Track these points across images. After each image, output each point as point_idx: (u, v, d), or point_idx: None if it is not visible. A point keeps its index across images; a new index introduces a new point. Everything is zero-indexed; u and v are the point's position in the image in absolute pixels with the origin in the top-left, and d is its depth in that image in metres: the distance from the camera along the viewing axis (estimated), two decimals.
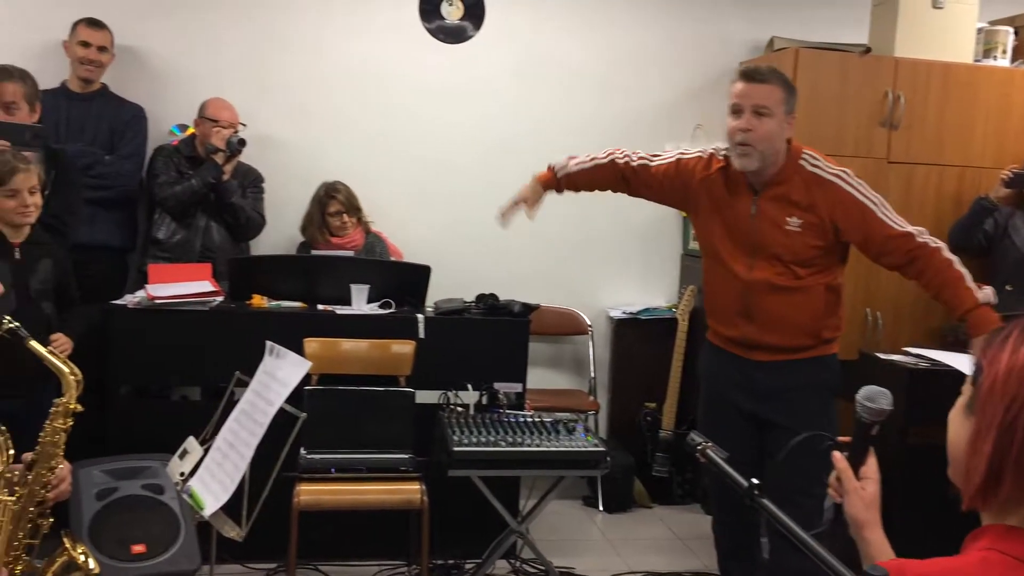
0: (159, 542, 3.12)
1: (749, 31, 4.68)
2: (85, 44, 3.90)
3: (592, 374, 4.67)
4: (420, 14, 4.49)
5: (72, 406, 1.93)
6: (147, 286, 3.46)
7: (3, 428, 1.57)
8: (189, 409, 3.66)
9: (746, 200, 2.65)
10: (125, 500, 3.12)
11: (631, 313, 4.65)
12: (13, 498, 1.56)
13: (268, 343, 2.07)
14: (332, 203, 4.10)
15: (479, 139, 4.58)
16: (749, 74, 2.59)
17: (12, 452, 1.56)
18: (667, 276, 4.79)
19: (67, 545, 1.95)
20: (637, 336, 4.66)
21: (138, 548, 3.10)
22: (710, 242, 2.76)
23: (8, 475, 1.70)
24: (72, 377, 1.93)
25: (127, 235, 4.08)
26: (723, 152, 2.71)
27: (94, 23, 3.94)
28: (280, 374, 1.98)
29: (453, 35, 4.54)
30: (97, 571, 1.94)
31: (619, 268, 4.73)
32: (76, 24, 3.92)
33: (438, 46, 4.52)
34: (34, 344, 1.91)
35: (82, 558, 1.92)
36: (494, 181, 4.56)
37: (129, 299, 3.46)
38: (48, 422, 1.89)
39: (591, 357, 4.67)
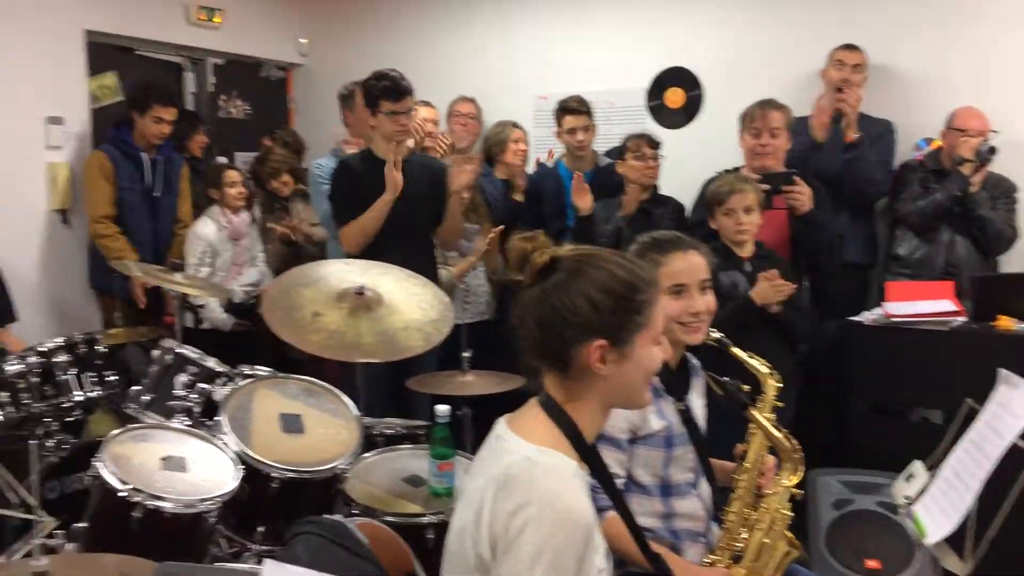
0: (894, 561, 3.12)
1: None
2: (841, 65, 4.05)
3: None
4: None
5: (774, 402, 2.04)
6: (884, 303, 3.48)
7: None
8: (928, 431, 3.54)
9: None
10: (860, 513, 3.21)
11: None
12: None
13: (1001, 371, 1.89)
14: None
15: None
16: None
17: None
18: None
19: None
20: None
21: (872, 563, 3.15)
22: None
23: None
24: (772, 380, 2.04)
25: (869, 252, 4.16)
26: None
27: (849, 47, 4.07)
28: (1015, 405, 1.79)
29: None
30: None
31: None
32: (834, 50, 4.09)
33: None
34: (735, 350, 2.06)
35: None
36: None
37: (867, 316, 3.52)
38: (756, 413, 2.01)
39: None
